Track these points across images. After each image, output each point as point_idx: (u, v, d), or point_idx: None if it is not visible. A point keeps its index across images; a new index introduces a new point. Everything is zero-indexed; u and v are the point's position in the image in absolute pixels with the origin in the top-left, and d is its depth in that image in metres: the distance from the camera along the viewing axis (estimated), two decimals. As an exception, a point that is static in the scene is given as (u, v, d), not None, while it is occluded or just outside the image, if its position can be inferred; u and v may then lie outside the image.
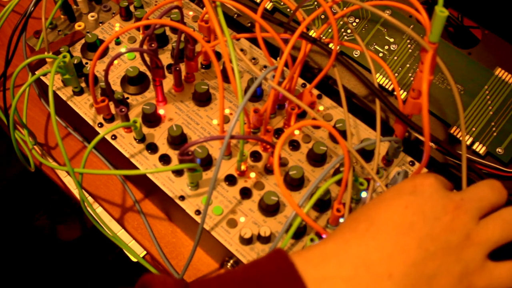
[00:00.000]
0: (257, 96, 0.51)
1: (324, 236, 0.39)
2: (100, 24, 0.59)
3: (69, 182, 0.57)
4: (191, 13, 0.59)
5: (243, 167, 0.46)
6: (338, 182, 0.46)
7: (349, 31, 0.56)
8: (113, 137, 0.49)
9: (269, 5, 0.59)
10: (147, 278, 0.32)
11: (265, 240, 0.43)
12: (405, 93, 0.53)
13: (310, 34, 0.51)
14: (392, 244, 0.31)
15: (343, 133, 0.48)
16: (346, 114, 0.46)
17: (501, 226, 0.32)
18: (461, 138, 0.50)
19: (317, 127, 0.50)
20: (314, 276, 0.29)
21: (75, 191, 0.56)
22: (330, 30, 0.57)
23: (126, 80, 0.52)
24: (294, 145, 0.48)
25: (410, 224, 0.31)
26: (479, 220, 0.33)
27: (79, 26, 0.59)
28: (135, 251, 0.51)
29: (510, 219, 0.33)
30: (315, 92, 0.52)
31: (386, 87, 0.54)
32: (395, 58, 0.54)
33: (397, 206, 0.33)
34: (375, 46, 0.55)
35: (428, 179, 0.34)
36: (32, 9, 0.55)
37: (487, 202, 0.34)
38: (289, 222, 0.39)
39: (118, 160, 0.51)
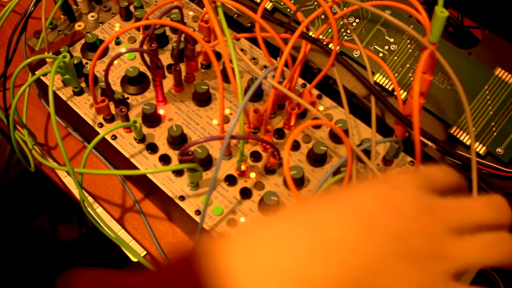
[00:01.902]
0: (257, 96, 0.51)
1: None
2: (100, 24, 0.59)
3: (69, 182, 0.57)
4: (191, 13, 0.59)
5: (243, 167, 0.46)
6: (338, 182, 0.46)
7: (348, 31, 0.56)
8: (113, 137, 0.49)
9: (269, 5, 0.59)
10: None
11: None
12: (405, 93, 0.53)
13: (310, 34, 0.51)
14: (354, 236, 0.26)
15: (344, 133, 0.48)
16: (348, 114, 0.46)
17: (482, 249, 0.28)
18: (469, 144, 0.50)
19: (317, 127, 0.50)
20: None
21: (75, 191, 0.56)
22: (330, 30, 0.57)
23: (126, 80, 0.52)
24: (294, 145, 0.48)
25: (376, 216, 0.27)
26: (460, 235, 0.28)
27: (79, 26, 0.59)
28: (135, 251, 0.51)
29: (493, 242, 0.28)
30: (315, 92, 0.52)
31: (386, 87, 0.54)
32: (395, 58, 0.54)
33: (367, 194, 0.28)
34: (375, 46, 0.55)
35: (411, 175, 0.29)
36: (32, 9, 0.55)
37: (480, 219, 0.29)
38: None
39: (118, 160, 0.51)
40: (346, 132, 0.48)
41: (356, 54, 0.55)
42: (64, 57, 0.48)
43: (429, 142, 0.50)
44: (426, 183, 0.29)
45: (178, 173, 0.47)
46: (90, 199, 0.55)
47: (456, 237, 0.27)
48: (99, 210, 0.54)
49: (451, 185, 0.31)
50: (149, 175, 0.47)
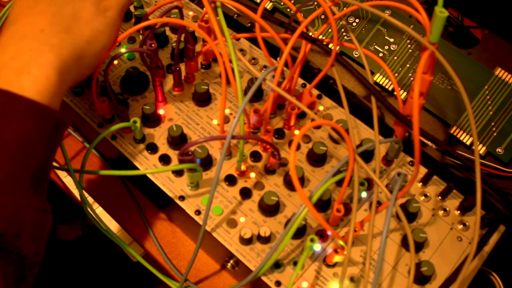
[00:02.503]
0: (257, 96, 0.51)
1: (328, 233, 0.39)
2: (100, 24, 0.59)
3: (69, 182, 0.57)
4: (191, 13, 0.59)
5: (243, 167, 0.46)
6: (338, 182, 0.46)
7: (346, 32, 0.56)
8: (113, 137, 0.49)
9: (269, 5, 0.59)
10: None
11: (265, 240, 0.43)
12: (405, 93, 0.53)
13: (310, 34, 0.51)
14: (29, 11, 0.38)
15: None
16: (348, 114, 0.46)
17: None
18: (469, 144, 0.50)
19: (317, 127, 0.50)
20: None
21: (75, 191, 0.56)
22: (330, 30, 0.57)
23: (126, 80, 0.52)
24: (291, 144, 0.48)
25: None
26: None
27: (79, 26, 0.59)
28: (135, 251, 0.51)
29: None
30: (315, 92, 0.52)
31: (386, 87, 0.54)
32: (395, 58, 0.54)
33: None
34: (375, 46, 0.55)
35: None
36: (32, 9, 0.55)
37: None
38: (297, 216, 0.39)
39: (118, 160, 0.51)
40: (346, 132, 0.48)
41: (356, 54, 0.55)
42: (64, 57, 0.48)
43: (429, 142, 0.50)
44: None
45: (178, 173, 0.47)
46: (90, 199, 0.55)
47: None
48: (99, 210, 0.54)
49: None
50: (149, 175, 0.47)
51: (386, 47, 0.55)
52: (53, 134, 0.36)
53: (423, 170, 0.47)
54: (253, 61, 0.55)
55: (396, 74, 0.54)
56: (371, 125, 0.50)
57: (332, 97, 0.52)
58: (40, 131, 0.35)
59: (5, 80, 0.34)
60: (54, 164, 0.57)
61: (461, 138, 0.50)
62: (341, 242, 0.40)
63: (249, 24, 0.59)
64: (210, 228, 0.44)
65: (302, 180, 0.46)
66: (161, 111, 0.50)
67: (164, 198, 0.46)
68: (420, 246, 0.43)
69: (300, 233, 0.43)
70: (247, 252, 0.43)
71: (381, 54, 0.55)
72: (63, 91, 0.38)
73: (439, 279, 0.42)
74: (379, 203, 0.43)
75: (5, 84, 0.34)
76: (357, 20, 0.56)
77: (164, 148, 0.48)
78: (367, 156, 0.48)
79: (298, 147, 0.49)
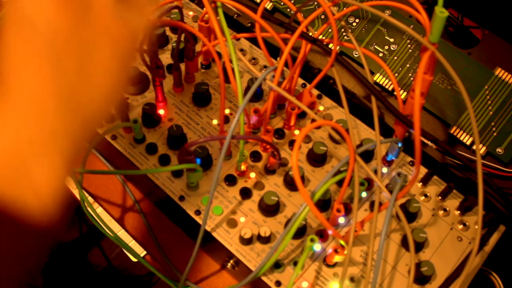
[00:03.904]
0: (257, 96, 0.51)
1: (330, 232, 0.39)
2: (100, 24, 0.59)
3: (69, 182, 0.57)
4: (191, 13, 0.59)
5: (243, 167, 0.46)
6: (338, 182, 0.46)
7: (345, 32, 0.56)
8: (113, 137, 0.49)
9: (269, 5, 0.59)
10: None
11: (265, 240, 0.43)
12: (405, 93, 0.53)
13: (310, 34, 0.51)
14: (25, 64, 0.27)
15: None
16: (348, 114, 0.46)
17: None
18: (469, 144, 0.50)
19: (317, 127, 0.50)
20: None
21: (75, 191, 0.56)
22: (330, 30, 0.57)
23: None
24: (294, 145, 0.49)
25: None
26: None
27: (79, 26, 0.59)
28: (135, 251, 0.51)
29: None
30: (315, 92, 0.52)
31: (386, 87, 0.54)
32: (395, 58, 0.54)
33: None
34: (375, 46, 0.55)
35: None
36: (32, 9, 0.55)
37: None
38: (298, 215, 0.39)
39: (118, 160, 0.51)
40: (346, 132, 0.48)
41: (356, 54, 0.55)
42: (64, 57, 0.48)
43: (429, 142, 0.50)
44: None
45: (178, 173, 0.47)
46: (90, 199, 0.55)
47: None
48: (99, 210, 0.54)
49: None
50: (149, 175, 0.47)
51: (386, 47, 0.55)
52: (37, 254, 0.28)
53: (423, 170, 0.47)
54: (253, 61, 0.55)
55: (396, 74, 0.54)
56: (371, 125, 0.50)
57: (332, 97, 0.52)
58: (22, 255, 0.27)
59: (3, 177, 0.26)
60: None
61: (461, 138, 0.50)
62: (342, 242, 0.40)
63: (249, 24, 0.59)
64: (210, 228, 0.44)
65: (302, 180, 0.46)
66: (161, 111, 0.50)
67: (164, 198, 0.46)
68: (420, 246, 0.43)
69: (300, 233, 0.43)
70: (247, 252, 0.43)
71: (381, 54, 0.55)
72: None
73: (439, 279, 0.42)
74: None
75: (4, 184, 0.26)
76: (357, 20, 0.56)
77: (164, 148, 0.48)
78: (367, 156, 0.48)
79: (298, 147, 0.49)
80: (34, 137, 0.26)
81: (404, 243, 0.44)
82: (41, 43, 0.27)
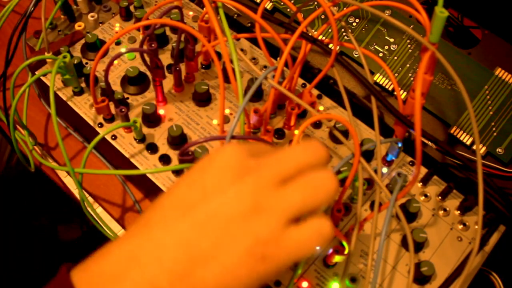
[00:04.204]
0: (257, 96, 0.51)
1: None
2: (100, 24, 0.59)
3: (69, 182, 0.57)
4: (191, 13, 0.59)
5: (243, 167, 0.46)
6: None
7: (345, 32, 0.56)
8: (113, 137, 0.49)
9: (269, 5, 0.59)
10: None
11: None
12: (405, 93, 0.53)
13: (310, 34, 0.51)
14: (163, 231, 0.28)
15: (345, 133, 0.48)
16: (350, 115, 0.46)
17: (302, 189, 0.28)
18: (469, 144, 0.50)
19: (317, 127, 0.50)
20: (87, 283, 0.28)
21: (75, 191, 0.56)
22: (330, 30, 0.57)
23: (126, 80, 0.52)
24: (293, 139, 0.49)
25: (187, 205, 0.28)
26: (282, 186, 0.28)
27: (79, 26, 0.59)
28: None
29: (315, 182, 0.29)
30: (315, 92, 0.52)
31: (386, 87, 0.54)
32: (395, 58, 0.54)
33: (180, 187, 0.30)
34: (375, 46, 0.55)
35: (224, 148, 0.29)
36: (32, 9, 0.55)
37: (294, 164, 0.29)
38: None
39: (118, 160, 0.51)
40: (346, 132, 0.48)
41: (356, 54, 0.55)
42: (64, 57, 0.48)
43: (429, 142, 0.50)
44: (243, 150, 0.30)
45: (178, 173, 0.47)
46: (90, 199, 0.55)
47: (281, 188, 0.28)
48: (99, 210, 0.54)
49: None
50: (149, 175, 0.47)
51: (386, 47, 0.55)
52: None
53: (423, 170, 0.47)
54: (253, 61, 0.55)
55: (396, 74, 0.54)
56: (371, 125, 0.50)
57: (332, 97, 0.52)
58: None
59: None
60: (54, 164, 0.57)
61: (461, 138, 0.50)
62: (343, 242, 0.40)
63: (249, 24, 0.59)
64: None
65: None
66: (161, 111, 0.50)
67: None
68: (420, 246, 0.43)
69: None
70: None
71: (381, 54, 0.54)
72: None
73: (439, 279, 0.42)
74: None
75: None
76: (357, 20, 0.56)
77: (164, 148, 0.48)
78: (367, 156, 0.48)
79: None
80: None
81: (404, 243, 0.44)
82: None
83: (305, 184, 0.29)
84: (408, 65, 0.54)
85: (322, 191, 0.29)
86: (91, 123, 0.50)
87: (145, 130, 0.49)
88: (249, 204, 0.28)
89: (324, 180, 0.29)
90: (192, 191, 0.29)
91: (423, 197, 0.46)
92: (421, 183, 0.47)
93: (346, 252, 0.39)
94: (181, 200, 0.29)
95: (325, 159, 0.30)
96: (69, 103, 0.52)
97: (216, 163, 0.29)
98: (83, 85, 0.52)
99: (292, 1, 0.59)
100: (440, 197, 0.46)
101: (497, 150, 0.50)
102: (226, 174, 0.29)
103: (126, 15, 0.58)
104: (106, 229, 0.52)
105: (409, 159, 0.49)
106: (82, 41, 0.56)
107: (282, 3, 0.59)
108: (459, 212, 0.45)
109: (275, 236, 0.27)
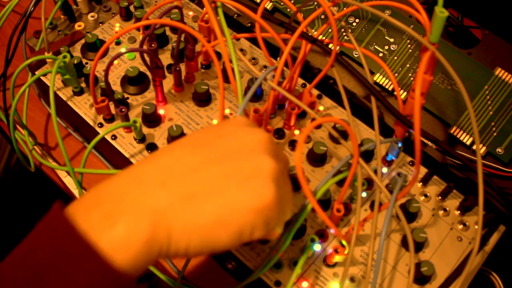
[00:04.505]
0: (257, 96, 0.51)
1: (332, 230, 0.39)
2: (100, 24, 0.59)
3: (69, 182, 0.57)
4: (191, 13, 0.59)
5: (243, 167, 0.46)
6: (338, 182, 0.46)
7: (345, 32, 0.56)
8: (113, 137, 0.49)
9: (269, 5, 0.59)
10: None
11: (265, 240, 0.43)
12: (405, 93, 0.53)
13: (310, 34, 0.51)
14: (167, 159, 0.31)
15: (344, 133, 0.48)
16: (349, 115, 0.45)
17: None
18: (469, 144, 0.50)
19: (317, 127, 0.50)
20: (85, 207, 0.29)
21: (75, 191, 0.56)
22: (330, 30, 0.57)
23: (126, 80, 0.52)
24: (294, 145, 0.48)
25: (201, 144, 0.32)
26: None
27: (79, 26, 0.59)
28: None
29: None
30: (315, 92, 0.52)
31: (386, 87, 0.54)
32: (395, 58, 0.54)
33: (195, 133, 0.34)
34: (375, 46, 0.55)
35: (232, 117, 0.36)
36: (32, 9, 0.55)
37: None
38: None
39: (118, 160, 0.51)
40: (346, 132, 0.48)
41: (356, 54, 0.55)
42: (64, 57, 0.48)
43: (429, 142, 0.50)
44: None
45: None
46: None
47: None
48: (99, 210, 0.54)
49: None
50: (149, 175, 0.46)
51: (386, 47, 0.55)
52: None
53: (423, 170, 0.47)
54: (253, 61, 0.55)
55: (396, 74, 0.54)
56: (371, 125, 0.50)
57: (332, 97, 0.52)
58: None
59: (97, 223, 0.28)
60: (54, 164, 0.57)
61: (461, 138, 0.50)
62: (343, 242, 0.40)
63: (249, 24, 0.59)
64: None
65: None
66: (161, 111, 0.50)
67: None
68: (420, 246, 0.43)
69: (300, 233, 0.43)
70: (247, 252, 0.43)
71: (381, 54, 0.54)
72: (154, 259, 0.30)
73: (439, 279, 0.42)
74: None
75: (97, 229, 0.28)
76: (357, 20, 0.56)
77: (164, 148, 0.48)
78: (367, 156, 0.48)
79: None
80: (140, 199, 0.29)
81: (404, 243, 0.44)
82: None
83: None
84: (408, 65, 0.54)
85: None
86: (91, 123, 0.50)
87: (145, 130, 0.49)
88: (258, 140, 0.32)
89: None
90: (205, 134, 0.33)
91: (423, 197, 0.46)
92: (421, 183, 0.47)
93: (346, 252, 0.39)
94: (194, 140, 0.33)
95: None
96: (69, 103, 0.52)
97: (230, 121, 0.35)
98: (83, 85, 0.52)
99: (292, 1, 0.59)
100: (440, 197, 0.46)
101: (497, 150, 0.50)
102: (241, 124, 0.34)
103: (126, 15, 0.58)
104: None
105: (409, 159, 0.49)
106: (82, 41, 0.56)
107: (282, 3, 0.59)
108: (459, 212, 0.45)
109: (273, 165, 0.32)
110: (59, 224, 0.28)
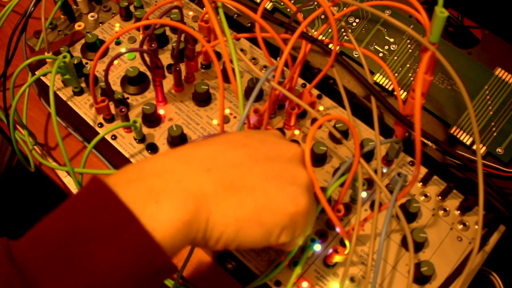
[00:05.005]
0: (257, 96, 0.51)
1: (337, 229, 0.39)
2: (100, 24, 0.59)
3: (69, 182, 0.57)
4: (191, 13, 0.59)
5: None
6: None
7: (345, 32, 0.56)
8: (113, 137, 0.49)
9: (269, 5, 0.59)
10: None
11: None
12: (405, 93, 0.53)
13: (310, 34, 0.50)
14: (212, 148, 0.32)
15: (345, 133, 0.48)
16: (350, 115, 0.45)
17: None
18: (469, 144, 0.50)
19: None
20: (127, 180, 0.29)
21: (75, 191, 0.56)
22: (330, 30, 0.57)
23: (126, 80, 0.52)
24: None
25: (244, 143, 0.33)
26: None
27: (79, 26, 0.59)
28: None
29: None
30: (315, 92, 0.52)
31: (386, 87, 0.54)
32: (395, 58, 0.54)
33: (235, 133, 0.36)
34: (375, 46, 0.55)
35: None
36: (32, 9, 0.55)
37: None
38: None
39: (118, 160, 0.51)
40: (346, 132, 0.48)
41: (356, 54, 0.55)
42: (64, 57, 0.48)
43: (429, 142, 0.50)
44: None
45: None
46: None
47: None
48: (99, 210, 0.54)
49: None
50: (149, 175, 0.46)
51: (386, 47, 0.55)
52: (153, 279, 0.29)
53: (423, 170, 0.47)
54: (253, 61, 0.55)
55: (396, 74, 0.54)
56: (371, 125, 0.50)
57: (332, 97, 0.52)
58: (143, 273, 0.28)
59: (140, 196, 0.28)
60: (54, 164, 0.57)
61: (461, 138, 0.50)
62: (346, 242, 0.40)
63: (249, 24, 0.59)
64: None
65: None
66: (161, 111, 0.50)
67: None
68: (420, 246, 0.43)
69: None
70: (247, 252, 0.43)
71: (381, 54, 0.54)
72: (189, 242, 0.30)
73: (439, 279, 0.42)
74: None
75: (139, 203, 0.28)
76: (357, 20, 0.56)
77: (164, 148, 0.48)
78: (367, 156, 0.48)
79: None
80: (186, 183, 0.30)
81: (404, 243, 0.44)
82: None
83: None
84: (408, 65, 0.54)
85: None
86: (91, 123, 0.50)
87: (145, 130, 0.49)
88: (296, 153, 0.34)
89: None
90: (246, 137, 0.34)
91: (423, 197, 0.46)
92: (421, 183, 0.47)
93: (346, 252, 0.39)
94: (236, 139, 0.34)
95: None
96: (69, 103, 0.52)
97: (270, 131, 0.37)
98: (83, 85, 0.52)
99: (292, 1, 0.59)
100: (440, 197, 0.46)
101: (497, 150, 0.50)
102: (279, 136, 0.37)
103: (126, 15, 0.58)
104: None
105: (409, 159, 0.49)
106: (82, 41, 0.56)
107: (282, 3, 0.59)
108: (459, 212, 0.45)
109: (308, 177, 0.34)
110: (100, 193, 0.28)
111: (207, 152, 0.32)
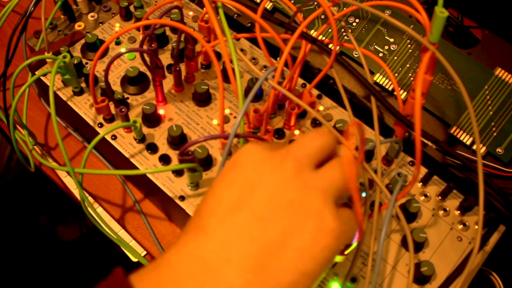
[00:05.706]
0: (257, 96, 0.51)
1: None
2: (100, 24, 0.59)
3: (69, 182, 0.57)
4: (191, 13, 0.59)
5: (243, 167, 0.46)
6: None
7: (345, 32, 0.56)
8: (113, 137, 0.49)
9: (269, 5, 0.59)
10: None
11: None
12: (405, 93, 0.53)
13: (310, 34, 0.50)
14: (222, 230, 0.28)
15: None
16: (351, 115, 0.45)
17: (336, 168, 0.31)
18: (469, 144, 0.50)
19: (317, 126, 0.50)
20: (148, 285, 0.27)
21: (75, 191, 0.56)
22: (330, 30, 0.57)
23: (126, 80, 0.52)
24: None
25: (237, 202, 0.29)
26: (316, 168, 0.31)
27: (79, 26, 0.59)
28: (135, 251, 0.51)
29: (340, 162, 0.32)
30: (315, 92, 0.52)
31: (386, 87, 0.54)
32: (395, 58, 0.54)
33: (221, 189, 0.30)
34: (375, 46, 0.55)
35: (245, 147, 0.31)
36: (32, 9, 0.55)
37: (315, 147, 0.31)
38: None
39: (118, 160, 0.51)
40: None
41: (356, 54, 0.55)
42: (64, 57, 0.48)
43: (429, 142, 0.50)
44: (263, 144, 0.32)
45: (178, 173, 0.47)
46: (90, 199, 0.55)
47: (316, 169, 0.31)
48: (99, 210, 0.54)
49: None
50: (149, 175, 0.47)
51: (386, 47, 0.55)
52: None
53: (423, 170, 0.47)
54: (253, 61, 0.55)
55: (396, 74, 0.54)
56: (371, 125, 0.50)
57: (332, 97, 0.52)
58: None
59: None
60: (54, 164, 0.57)
61: (461, 138, 0.50)
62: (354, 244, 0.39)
63: (249, 24, 0.59)
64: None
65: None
66: (161, 111, 0.50)
67: (164, 198, 0.46)
68: (420, 246, 0.43)
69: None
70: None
71: (381, 54, 0.54)
72: None
73: (439, 279, 0.42)
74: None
75: None
76: (357, 20, 0.56)
77: (164, 148, 0.48)
78: (367, 156, 0.48)
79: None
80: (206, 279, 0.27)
81: (404, 243, 0.44)
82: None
83: (336, 164, 0.32)
84: (408, 65, 0.54)
85: (344, 167, 0.32)
86: (91, 123, 0.50)
87: (145, 130, 0.49)
88: (298, 186, 0.29)
89: (342, 160, 0.32)
90: (236, 188, 0.30)
91: (423, 197, 0.46)
92: (421, 183, 0.47)
93: (346, 252, 0.39)
94: (227, 198, 0.29)
95: (333, 141, 0.33)
96: (69, 103, 0.52)
97: (249, 158, 0.31)
98: (83, 85, 0.52)
99: (292, 1, 0.59)
100: (440, 197, 0.46)
101: (497, 150, 0.50)
102: (264, 165, 0.30)
103: (126, 15, 0.58)
104: (106, 229, 0.52)
105: (409, 159, 0.49)
106: (82, 41, 0.56)
107: (282, 3, 0.59)
108: (459, 212, 0.45)
109: (334, 210, 0.29)
110: None
111: (217, 237, 0.28)
